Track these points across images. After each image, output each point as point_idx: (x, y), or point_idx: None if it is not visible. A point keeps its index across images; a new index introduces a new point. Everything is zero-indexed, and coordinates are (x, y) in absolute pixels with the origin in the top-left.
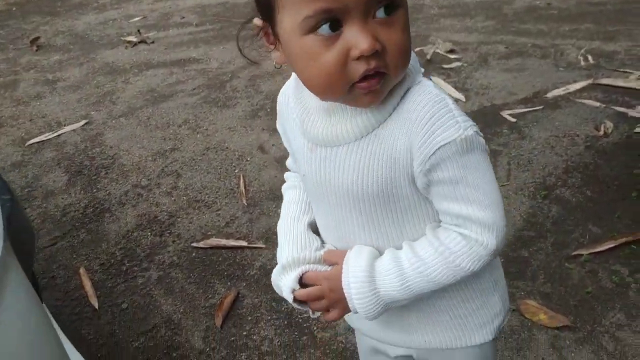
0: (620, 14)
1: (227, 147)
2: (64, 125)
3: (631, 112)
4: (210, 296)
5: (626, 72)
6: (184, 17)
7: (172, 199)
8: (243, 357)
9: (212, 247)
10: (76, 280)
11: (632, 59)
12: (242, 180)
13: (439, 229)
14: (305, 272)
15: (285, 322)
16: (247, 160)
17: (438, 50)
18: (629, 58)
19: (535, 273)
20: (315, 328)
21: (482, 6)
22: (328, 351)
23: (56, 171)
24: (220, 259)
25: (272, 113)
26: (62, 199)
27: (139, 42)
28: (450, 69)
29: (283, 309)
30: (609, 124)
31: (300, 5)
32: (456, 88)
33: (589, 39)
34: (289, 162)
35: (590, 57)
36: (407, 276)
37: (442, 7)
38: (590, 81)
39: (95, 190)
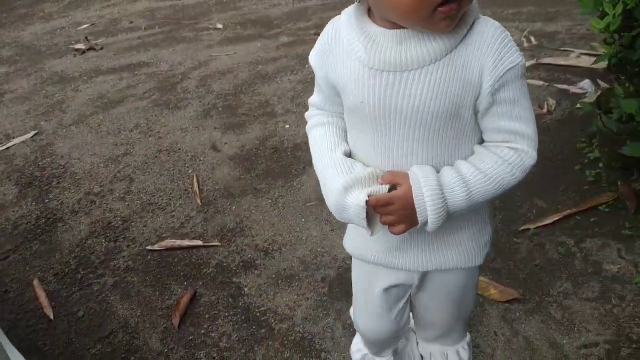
0: None
1: (179, 149)
2: (13, 138)
3: (572, 89)
4: (167, 298)
5: (567, 50)
6: (132, 22)
7: (126, 204)
8: (202, 355)
9: (167, 249)
10: (30, 292)
11: (573, 38)
12: (195, 181)
13: (491, 146)
14: (372, 193)
15: (243, 318)
16: (200, 161)
17: None
18: (570, 37)
19: None
20: (273, 321)
21: None
22: (286, 342)
23: (6, 184)
24: (176, 260)
25: (225, 111)
26: (14, 212)
27: (88, 50)
28: None
29: (240, 304)
30: (552, 102)
31: None
32: None
33: (532, 21)
34: (314, 100)
35: (533, 39)
36: (471, 188)
37: None
38: (533, 62)
39: (47, 201)
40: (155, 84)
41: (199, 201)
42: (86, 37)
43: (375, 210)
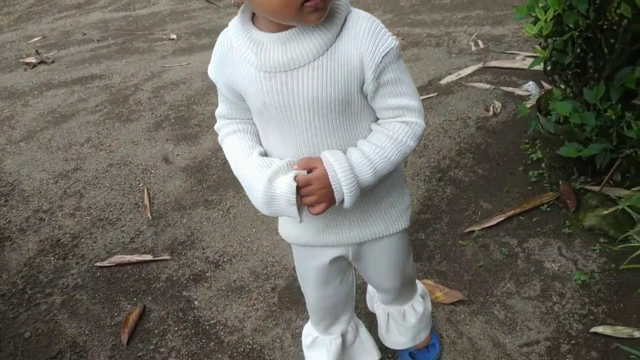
0: None
1: (130, 162)
2: None
3: (517, 91)
4: (116, 314)
5: (513, 53)
6: (85, 34)
7: (75, 220)
8: None
9: (116, 265)
10: None
11: (518, 41)
12: (146, 194)
13: (385, 123)
14: (295, 175)
15: (193, 331)
16: (151, 173)
17: None
18: (515, 40)
19: (432, 253)
20: (222, 333)
21: (380, 0)
22: (235, 354)
23: None
24: (125, 275)
25: (177, 122)
26: None
27: (39, 63)
28: None
29: (190, 318)
30: (498, 104)
31: None
32: None
33: (479, 24)
34: (221, 111)
35: (480, 42)
36: (374, 163)
37: None
38: (480, 65)
39: None
40: (107, 97)
41: (149, 215)
42: (37, 51)
43: (297, 193)
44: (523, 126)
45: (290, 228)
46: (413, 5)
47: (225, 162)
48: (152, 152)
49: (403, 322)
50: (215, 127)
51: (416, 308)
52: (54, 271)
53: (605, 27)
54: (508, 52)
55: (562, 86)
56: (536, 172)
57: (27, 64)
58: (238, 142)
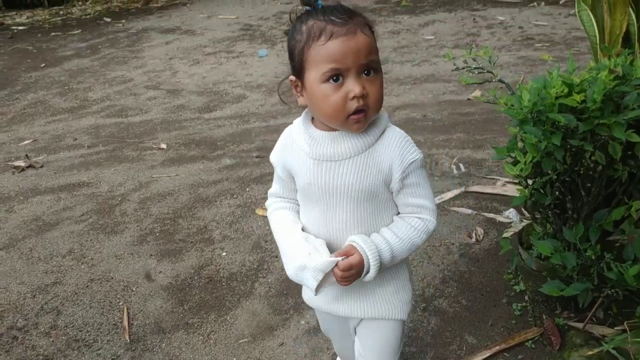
0: (487, 123)
1: (112, 278)
2: None
3: (499, 218)
4: None
5: (493, 178)
6: (76, 139)
7: (51, 339)
8: None
9: None
10: None
11: (499, 166)
12: (125, 314)
13: (404, 216)
14: (337, 260)
15: None
16: (132, 291)
17: None
18: (496, 165)
19: None
20: None
21: None
22: None
23: None
24: None
25: (162, 237)
26: None
27: (27, 167)
28: None
29: None
30: (480, 231)
31: (320, 66)
32: None
33: (461, 147)
34: (274, 190)
35: (462, 166)
36: (393, 248)
37: None
38: (462, 189)
39: None
40: (93, 206)
41: (127, 337)
42: (26, 155)
43: (338, 274)
44: (506, 255)
45: (309, 296)
46: (396, 125)
47: (208, 282)
48: (135, 267)
49: None
50: (267, 203)
51: None
52: None
53: (581, 172)
54: (489, 177)
55: (543, 222)
56: (520, 304)
57: (16, 167)
58: (285, 216)
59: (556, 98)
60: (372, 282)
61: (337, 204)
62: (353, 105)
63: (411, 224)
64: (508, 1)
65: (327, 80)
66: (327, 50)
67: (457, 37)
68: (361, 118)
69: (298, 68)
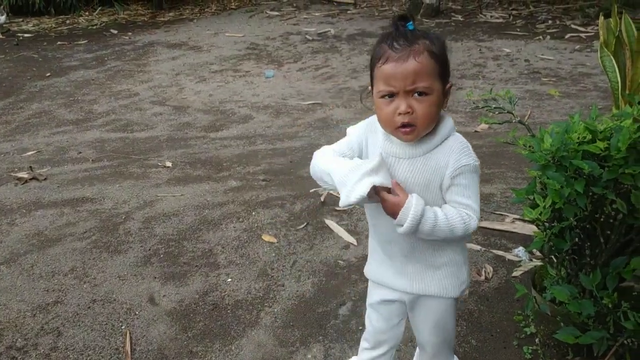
0: (495, 157)
1: (114, 299)
2: None
3: (508, 256)
4: None
5: (502, 214)
6: (80, 152)
7: None
8: None
9: None
10: None
11: (507, 202)
12: (128, 339)
13: (454, 207)
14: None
15: None
16: (135, 315)
17: (332, 192)
18: (504, 201)
19: None
20: None
21: None
22: None
23: None
24: None
25: (166, 259)
26: None
27: (31, 179)
28: (343, 211)
29: None
30: (489, 268)
31: (379, 83)
32: (348, 231)
33: None
34: (332, 147)
35: None
36: (437, 223)
37: None
38: None
39: None
40: (96, 223)
41: None
42: (30, 166)
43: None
44: (514, 294)
45: (375, 269)
46: None
47: (213, 309)
48: (138, 290)
49: None
50: (322, 148)
51: None
52: None
53: (602, 219)
54: (497, 212)
55: (559, 266)
56: (530, 347)
57: (19, 179)
58: (333, 154)
59: (579, 144)
60: (430, 265)
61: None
62: (400, 119)
63: (459, 211)
64: (514, 33)
65: (383, 96)
66: (382, 72)
67: (463, 67)
68: (406, 132)
69: (371, 80)
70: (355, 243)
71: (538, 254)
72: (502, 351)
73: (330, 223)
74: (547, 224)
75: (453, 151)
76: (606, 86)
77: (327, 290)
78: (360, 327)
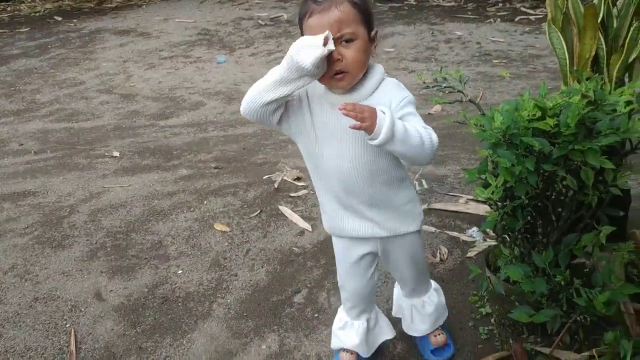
0: (448, 139)
1: (58, 297)
2: None
3: (462, 237)
4: None
5: (455, 195)
6: (22, 144)
7: None
8: None
9: None
10: None
11: (460, 183)
12: (72, 338)
13: None
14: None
15: None
16: (80, 312)
17: (285, 178)
18: (458, 182)
19: None
20: None
21: None
22: None
23: None
24: None
25: (113, 252)
26: None
27: None
28: (298, 197)
29: None
30: (444, 250)
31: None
32: (303, 217)
33: None
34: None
35: (424, 182)
36: (407, 129)
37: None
38: (425, 206)
39: None
40: (39, 217)
41: None
42: None
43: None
44: (469, 275)
45: (332, 222)
46: None
47: (162, 302)
48: (84, 286)
49: (423, 310)
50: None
51: (432, 299)
52: None
53: (552, 196)
54: (451, 193)
55: (512, 246)
56: (486, 328)
57: None
58: None
59: (529, 121)
60: (390, 206)
61: (346, 145)
62: (333, 68)
63: (419, 128)
64: (465, 17)
65: None
66: (309, 25)
67: (416, 50)
68: (341, 77)
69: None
70: (310, 229)
71: (492, 234)
72: (458, 332)
73: (285, 210)
74: (499, 204)
75: (391, 90)
76: (555, 67)
77: (282, 279)
78: (316, 315)
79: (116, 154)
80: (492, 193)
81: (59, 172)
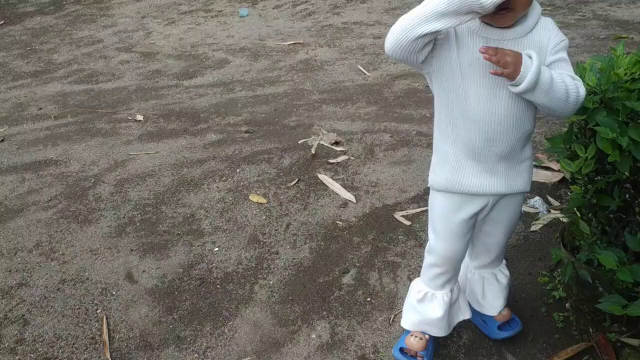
0: None
1: (87, 278)
2: None
3: (524, 208)
4: None
5: None
6: (41, 108)
7: (17, 358)
8: None
9: None
10: None
11: None
12: (105, 325)
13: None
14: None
15: None
16: (111, 295)
17: (322, 142)
18: None
19: None
20: None
21: (363, 90)
22: None
23: None
24: None
25: (143, 227)
26: None
27: None
28: (337, 164)
29: None
30: None
31: None
32: (345, 187)
33: None
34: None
35: None
36: (555, 81)
37: (323, 92)
38: None
39: None
40: (62, 189)
41: (108, 356)
42: None
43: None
44: (536, 251)
45: (454, 175)
46: (398, 97)
47: (200, 284)
48: (113, 265)
49: (497, 283)
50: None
51: (504, 272)
52: None
53: None
54: None
55: (599, 232)
56: (561, 314)
57: None
58: None
59: (629, 82)
60: (517, 160)
61: (502, 85)
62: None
63: (567, 78)
64: None
65: None
66: None
67: None
68: (504, 14)
69: None
70: (354, 200)
71: (557, 204)
72: (529, 320)
73: (324, 178)
74: (587, 179)
75: (550, 29)
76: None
77: (327, 257)
78: (369, 299)
79: (140, 117)
80: (581, 167)
81: (81, 139)
